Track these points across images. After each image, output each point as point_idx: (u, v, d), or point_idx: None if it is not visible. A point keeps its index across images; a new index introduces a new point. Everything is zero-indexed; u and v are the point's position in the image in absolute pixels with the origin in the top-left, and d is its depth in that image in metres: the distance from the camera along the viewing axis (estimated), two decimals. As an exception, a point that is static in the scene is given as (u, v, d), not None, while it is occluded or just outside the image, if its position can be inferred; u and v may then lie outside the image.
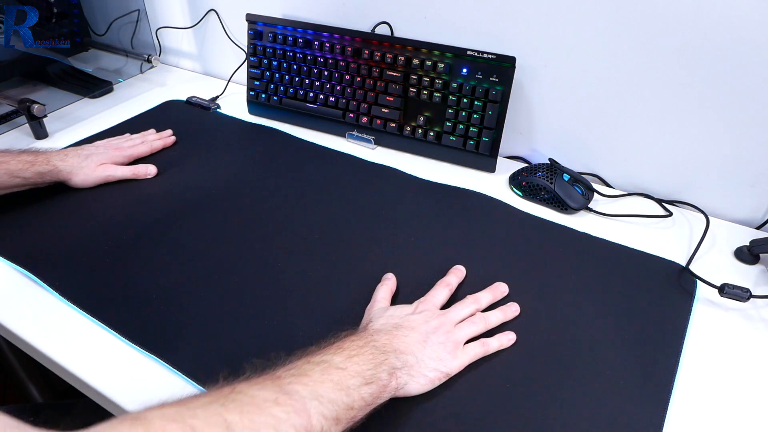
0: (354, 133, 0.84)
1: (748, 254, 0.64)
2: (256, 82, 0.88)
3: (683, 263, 0.63)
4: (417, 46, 0.76)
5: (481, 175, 0.78)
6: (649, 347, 0.52)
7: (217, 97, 0.96)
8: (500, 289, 0.57)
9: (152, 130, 0.82)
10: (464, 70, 0.75)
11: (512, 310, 0.54)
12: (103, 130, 0.84)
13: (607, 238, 0.66)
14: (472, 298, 0.54)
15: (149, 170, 0.73)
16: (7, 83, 0.93)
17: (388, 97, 0.80)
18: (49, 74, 0.97)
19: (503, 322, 0.53)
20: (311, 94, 0.85)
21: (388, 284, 0.56)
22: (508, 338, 0.52)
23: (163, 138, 0.80)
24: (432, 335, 0.48)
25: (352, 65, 0.81)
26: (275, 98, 0.87)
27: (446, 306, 0.54)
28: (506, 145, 0.82)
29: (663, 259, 0.63)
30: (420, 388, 0.45)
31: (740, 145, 0.67)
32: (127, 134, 0.81)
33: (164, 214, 0.67)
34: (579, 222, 0.69)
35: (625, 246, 0.65)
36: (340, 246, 0.63)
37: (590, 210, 0.71)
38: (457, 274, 0.58)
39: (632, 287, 0.59)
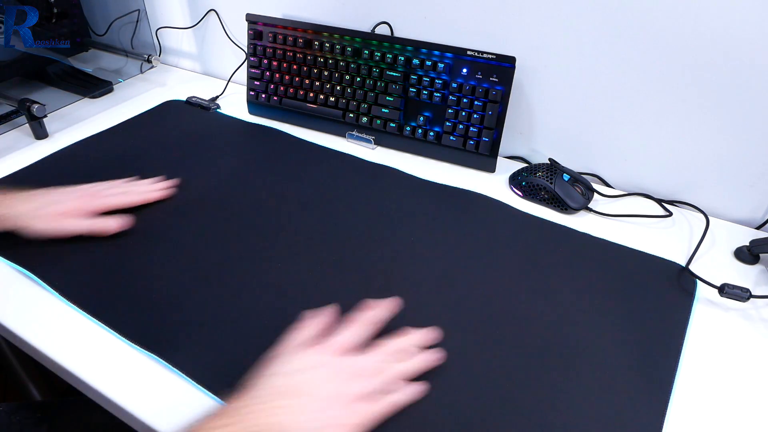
0: (354, 133, 0.84)
1: (748, 254, 0.64)
2: (256, 82, 0.88)
3: (683, 263, 0.63)
4: (417, 46, 0.76)
5: (481, 175, 0.78)
6: (649, 347, 0.52)
7: (217, 97, 0.96)
8: (426, 337, 0.49)
9: (147, 181, 0.70)
10: (464, 70, 0.75)
11: (432, 357, 0.47)
12: (103, 130, 0.84)
13: (607, 238, 0.66)
14: (389, 345, 0.47)
15: (108, 225, 0.61)
16: (7, 83, 0.93)
17: (388, 97, 0.80)
18: (49, 74, 0.97)
19: (420, 372, 0.46)
20: (311, 94, 0.85)
21: (312, 325, 0.47)
22: (416, 389, 0.45)
23: (151, 192, 0.68)
24: (321, 398, 0.41)
25: (352, 65, 0.81)
26: (275, 98, 0.87)
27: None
28: (506, 145, 0.82)
29: (663, 259, 0.63)
30: None
31: (740, 145, 0.67)
32: (121, 181, 0.70)
33: (164, 214, 0.66)
34: (579, 222, 0.69)
35: (625, 246, 0.65)
36: (339, 246, 0.63)
37: (590, 210, 0.71)
38: (382, 309, 0.49)
39: (632, 287, 0.59)
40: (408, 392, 0.45)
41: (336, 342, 0.46)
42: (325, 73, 0.83)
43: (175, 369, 0.48)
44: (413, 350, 0.48)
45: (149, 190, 0.68)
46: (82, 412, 0.64)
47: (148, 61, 1.00)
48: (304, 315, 0.50)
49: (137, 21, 1.04)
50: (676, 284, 0.60)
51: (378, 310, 0.50)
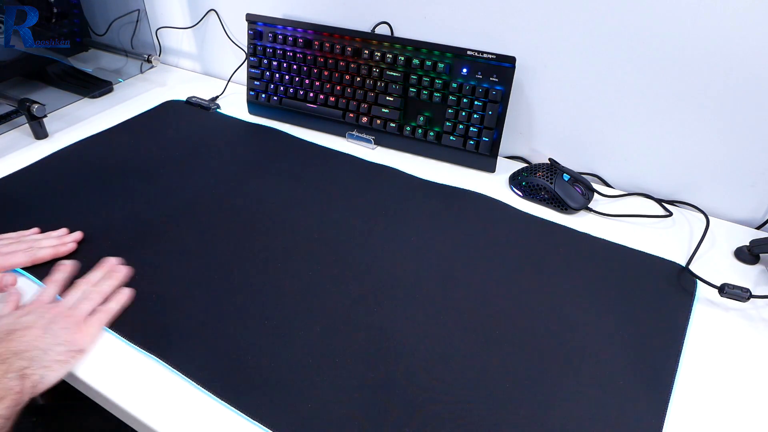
0: (354, 133, 0.84)
1: (748, 254, 0.64)
2: (256, 82, 0.88)
3: (683, 263, 0.63)
4: (417, 46, 0.76)
5: (481, 175, 0.78)
6: (649, 347, 0.52)
7: (217, 97, 0.96)
8: (109, 262, 0.58)
9: (59, 232, 0.63)
10: (464, 70, 0.75)
11: (119, 272, 0.57)
12: (103, 130, 0.84)
13: (607, 238, 0.66)
14: (83, 281, 0.55)
15: (5, 280, 0.55)
16: (7, 83, 0.93)
17: (388, 97, 0.80)
18: (49, 74, 0.97)
19: (117, 286, 0.55)
20: (311, 94, 0.85)
21: (12, 293, 0.54)
22: (123, 295, 0.54)
23: (58, 246, 0.60)
24: (52, 325, 0.49)
25: (352, 65, 0.81)
26: (275, 98, 0.87)
27: None
28: (506, 145, 0.82)
29: (663, 259, 0.63)
30: (58, 374, 0.47)
31: (740, 145, 0.67)
32: (20, 233, 0.62)
33: (164, 214, 0.67)
34: (579, 222, 0.69)
35: (625, 246, 0.65)
36: (339, 246, 0.63)
37: (590, 210, 0.71)
38: (62, 270, 0.57)
39: (632, 287, 0.59)
40: (118, 300, 0.54)
41: (36, 300, 0.53)
42: (325, 73, 0.83)
43: (174, 369, 0.48)
44: (105, 276, 0.56)
45: (55, 244, 0.60)
46: (78, 416, 0.64)
47: (148, 61, 1.00)
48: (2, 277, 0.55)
49: (137, 21, 1.04)
50: (676, 284, 0.60)
51: (56, 274, 0.56)
